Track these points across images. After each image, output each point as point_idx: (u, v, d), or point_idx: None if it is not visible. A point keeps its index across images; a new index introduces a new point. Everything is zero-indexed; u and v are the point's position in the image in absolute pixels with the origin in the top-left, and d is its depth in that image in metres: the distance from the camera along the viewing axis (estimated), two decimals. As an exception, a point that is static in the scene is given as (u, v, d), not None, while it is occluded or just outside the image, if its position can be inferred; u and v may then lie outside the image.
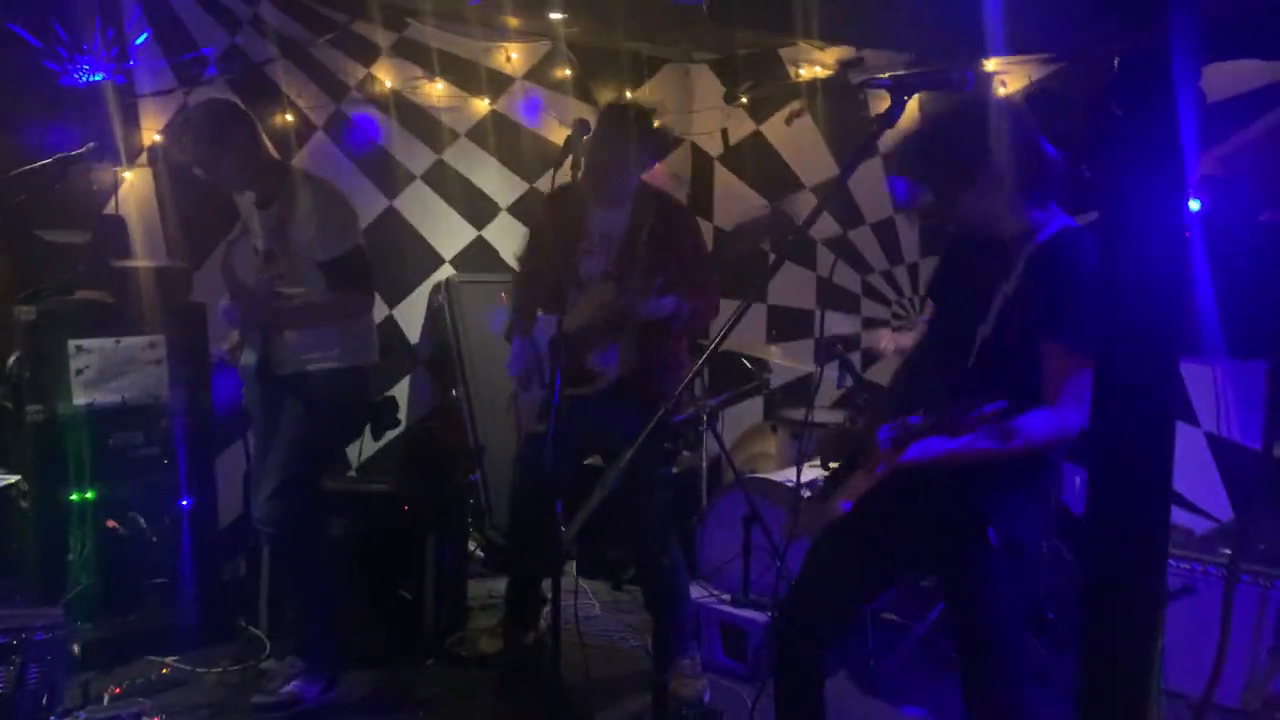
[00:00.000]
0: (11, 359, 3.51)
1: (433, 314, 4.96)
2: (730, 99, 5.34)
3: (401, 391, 4.83)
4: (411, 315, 4.93)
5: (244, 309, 3.29)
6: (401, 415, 4.55)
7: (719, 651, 3.69)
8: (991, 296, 2.13)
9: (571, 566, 4.32)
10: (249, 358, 3.35)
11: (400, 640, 3.73)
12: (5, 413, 3.53)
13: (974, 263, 2.24)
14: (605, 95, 5.33)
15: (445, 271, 5.02)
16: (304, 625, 3.41)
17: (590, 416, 3.24)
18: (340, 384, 3.29)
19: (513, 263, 5.02)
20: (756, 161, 5.42)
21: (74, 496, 3.51)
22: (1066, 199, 2.18)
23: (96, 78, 3.99)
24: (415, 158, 4.89)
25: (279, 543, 3.36)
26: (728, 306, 3.27)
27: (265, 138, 3.28)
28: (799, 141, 5.24)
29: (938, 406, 1.90)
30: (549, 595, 3.62)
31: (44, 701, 2.28)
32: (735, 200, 5.50)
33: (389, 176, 4.79)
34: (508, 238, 5.15)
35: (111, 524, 3.57)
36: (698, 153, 5.68)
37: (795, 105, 5.18)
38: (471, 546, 4.42)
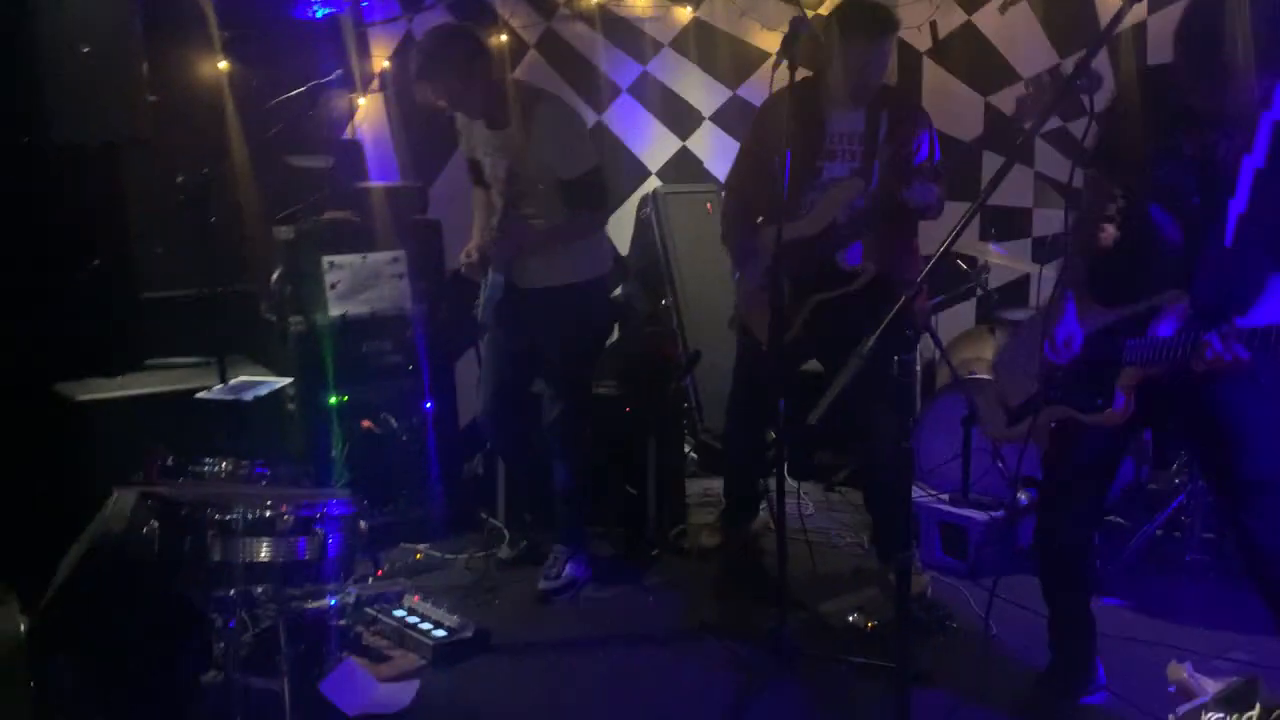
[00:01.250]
0: (274, 275, 3.86)
1: (641, 225, 5.08)
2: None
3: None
4: (620, 227, 5.07)
5: (494, 240, 3.44)
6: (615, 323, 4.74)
7: (938, 550, 3.72)
8: (1233, 170, 2.08)
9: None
10: (494, 276, 3.47)
11: (628, 534, 3.95)
12: (271, 324, 3.91)
13: (1200, 140, 2.17)
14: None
15: (651, 183, 5.12)
16: (572, 514, 3.65)
17: (846, 317, 3.25)
18: (589, 295, 3.47)
19: (718, 172, 5.07)
20: (968, 54, 5.20)
21: (332, 400, 3.86)
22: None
23: (326, 11, 4.25)
24: (621, 70, 4.98)
25: (557, 444, 3.56)
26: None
27: (495, 59, 3.42)
28: (1014, 31, 4.99)
29: (1207, 290, 1.88)
30: (765, 493, 3.79)
31: (340, 571, 2.57)
32: (945, 97, 5.31)
33: (596, 90, 4.90)
34: (711, 147, 5.19)
35: (366, 424, 3.91)
36: (904, 48, 5.50)
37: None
38: (686, 448, 4.58)
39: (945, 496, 3.80)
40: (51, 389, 3.45)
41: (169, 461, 2.71)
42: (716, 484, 4.28)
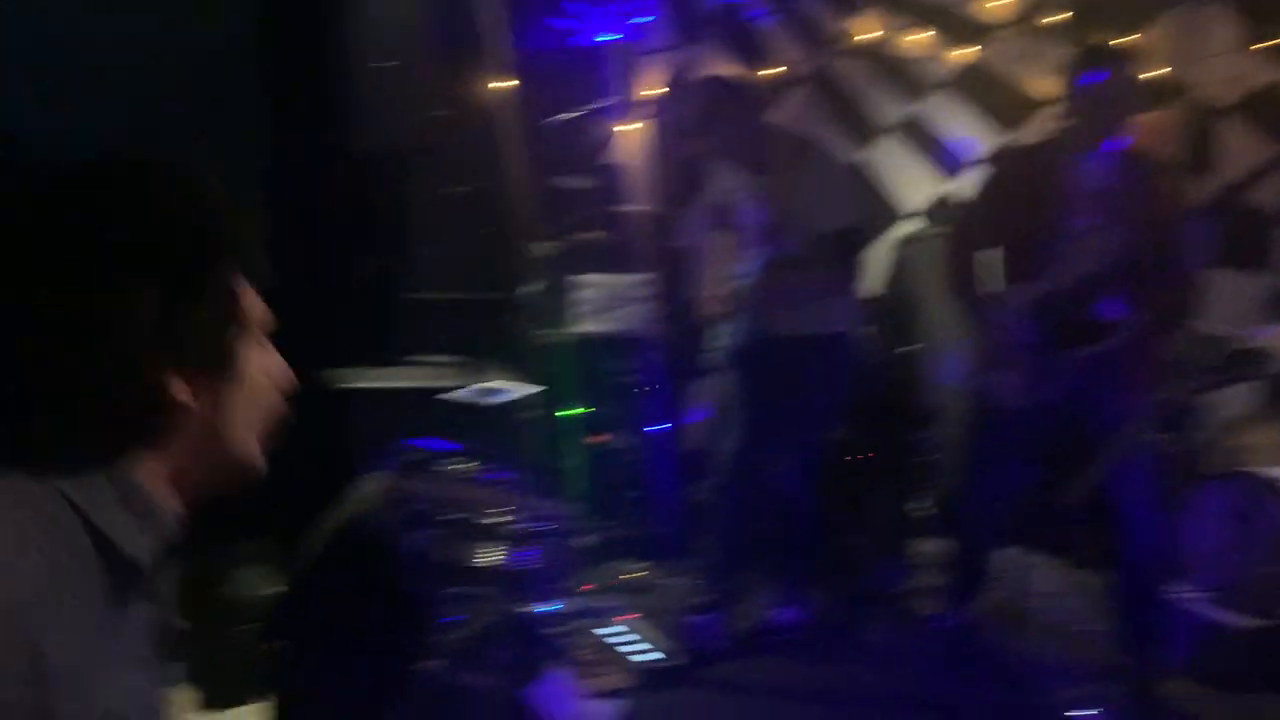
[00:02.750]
0: (528, 288, 4.03)
1: (896, 268, 4.94)
2: (1256, 41, 4.68)
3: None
4: (873, 268, 4.95)
5: (747, 288, 3.42)
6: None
7: (1186, 650, 3.38)
8: None
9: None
10: (740, 323, 3.46)
11: (853, 586, 3.83)
12: (520, 334, 4.07)
13: None
14: (1096, 39, 4.92)
15: (910, 225, 4.97)
16: (793, 560, 3.61)
17: (1100, 380, 3.05)
18: (839, 346, 3.41)
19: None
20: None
21: (567, 412, 3.97)
22: None
23: (605, 37, 4.41)
24: (888, 108, 4.86)
25: (786, 491, 3.52)
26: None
27: (763, 110, 3.41)
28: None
29: None
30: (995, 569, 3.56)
31: (560, 581, 2.63)
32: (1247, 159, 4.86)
33: (861, 128, 4.81)
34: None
35: (597, 439, 4.00)
36: (1197, 106, 5.08)
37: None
38: (925, 503, 4.39)
39: (1206, 596, 3.45)
40: (321, 375, 3.73)
41: (416, 456, 2.86)
42: (945, 546, 4.07)
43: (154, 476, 0.92)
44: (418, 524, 2.63)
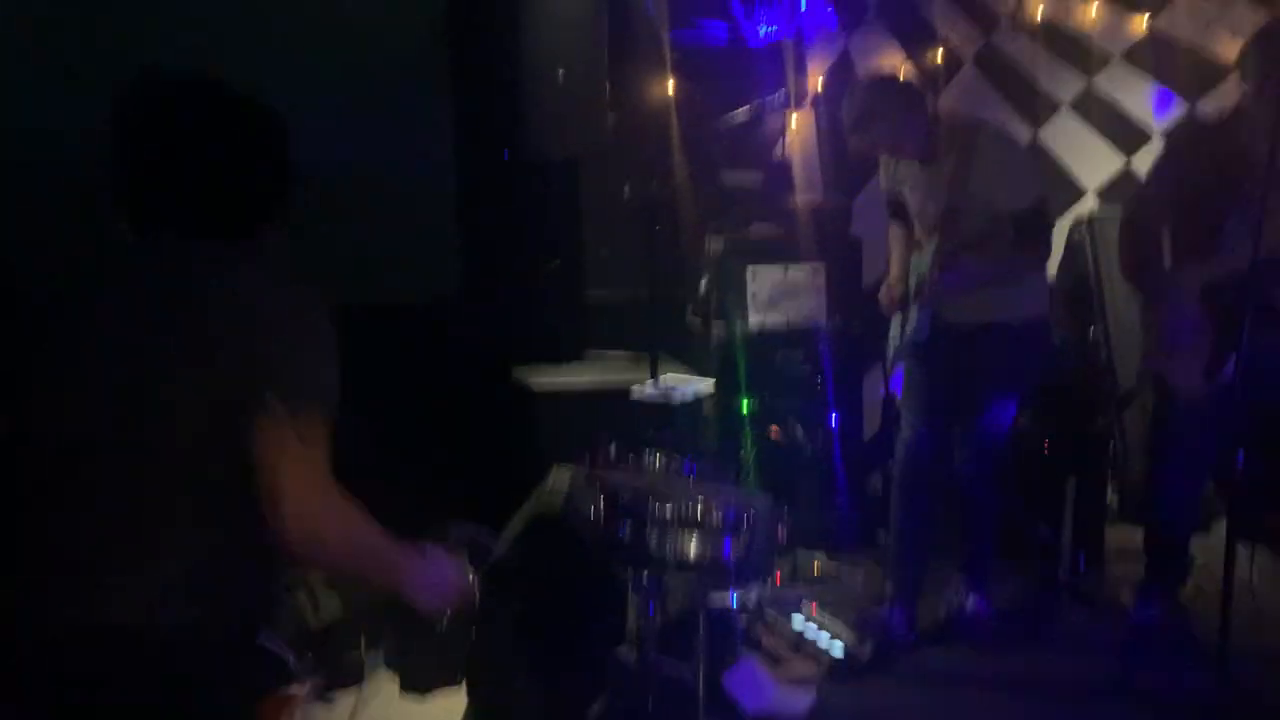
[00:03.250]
0: (703, 283, 4.10)
1: (1072, 250, 4.78)
2: None
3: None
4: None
5: (928, 279, 3.33)
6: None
7: None
8: None
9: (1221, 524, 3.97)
10: (920, 314, 3.37)
11: (1038, 577, 3.75)
12: (696, 328, 4.15)
13: None
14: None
15: (1088, 204, 4.80)
16: (981, 548, 3.55)
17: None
18: (1027, 333, 3.32)
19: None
20: None
21: (745, 404, 4.02)
22: None
23: (768, 31, 4.43)
24: (1063, 84, 4.71)
25: (969, 484, 3.48)
26: None
27: (930, 98, 3.34)
28: None
29: None
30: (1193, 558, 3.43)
31: (755, 571, 2.68)
32: None
33: (1034, 106, 4.69)
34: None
35: (774, 431, 4.04)
36: None
37: None
38: (1109, 492, 4.26)
39: None
40: (510, 372, 3.90)
41: (612, 450, 2.95)
42: (1139, 534, 3.94)
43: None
44: (609, 514, 2.72)
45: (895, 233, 3.63)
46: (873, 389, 4.28)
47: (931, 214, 3.35)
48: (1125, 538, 4.12)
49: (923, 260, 3.36)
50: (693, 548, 2.51)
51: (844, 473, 4.05)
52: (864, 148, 3.34)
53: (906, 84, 3.38)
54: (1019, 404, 3.48)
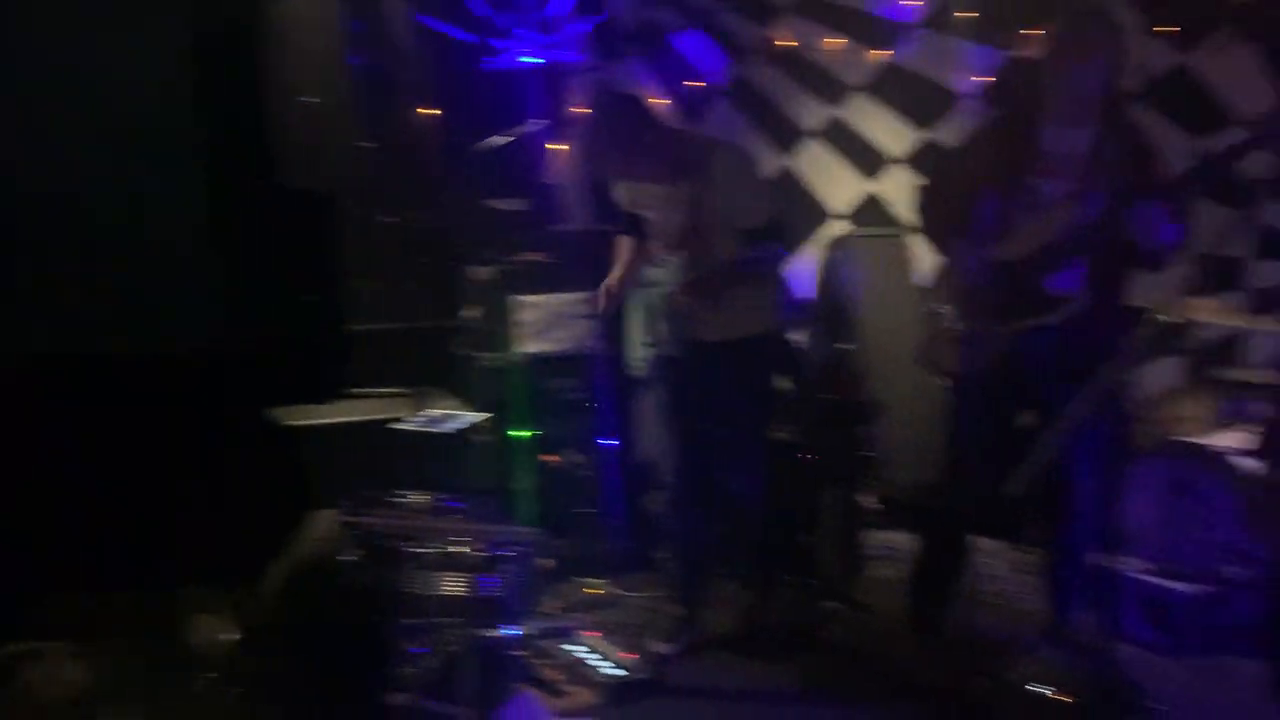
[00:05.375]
0: (469, 313, 4.04)
1: (826, 270, 5.03)
2: (1150, 26, 4.87)
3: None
4: (805, 272, 5.04)
5: (672, 295, 3.43)
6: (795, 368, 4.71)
7: (1138, 624, 3.50)
8: None
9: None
10: (662, 332, 3.49)
11: (802, 584, 3.89)
12: (465, 360, 4.08)
13: None
14: (1009, 37, 5.08)
15: (838, 227, 5.07)
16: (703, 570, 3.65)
17: (1046, 355, 3.11)
18: (765, 347, 3.45)
19: (907, 217, 4.97)
20: (1176, 97, 4.92)
21: (517, 434, 3.99)
22: None
23: (528, 59, 4.45)
24: (809, 113, 4.97)
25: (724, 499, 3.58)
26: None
27: (666, 118, 3.42)
28: (1235, 69, 4.69)
29: None
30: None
31: (517, 608, 2.65)
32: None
33: (783, 134, 4.91)
34: (901, 191, 5.09)
35: (549, 459, 4.02)
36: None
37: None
38: (869, 499, 4.48)
39: (1148, 567, 3.57)
40: (264, 414, 3.70)
41: (372, 492, 2.86)
42: (898, 537, 4.17)
43: None
44: (373, 559, 2.63)
45: (625, 242, 3.65)
46: (641, 411, 4.34)
47: (671, 233, 3.42)
48: (885, 542, 4.36)
49: (661, 275, 3.44)
50: (453, 587, 2.46)
51: (620, 497, 4.08)
52: (606, 171, 3.39)
53: (641, 107, 3.42)
54: (771, 415, 3.62)
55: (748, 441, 3.51)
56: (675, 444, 3.61)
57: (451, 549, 2.51)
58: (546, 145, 4.44)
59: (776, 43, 4.78)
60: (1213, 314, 4.07)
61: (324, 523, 2.84)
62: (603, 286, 3.58)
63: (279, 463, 3.52)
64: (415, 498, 2.85)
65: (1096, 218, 3.04)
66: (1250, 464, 3.47)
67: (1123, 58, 3.10)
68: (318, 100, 3.57)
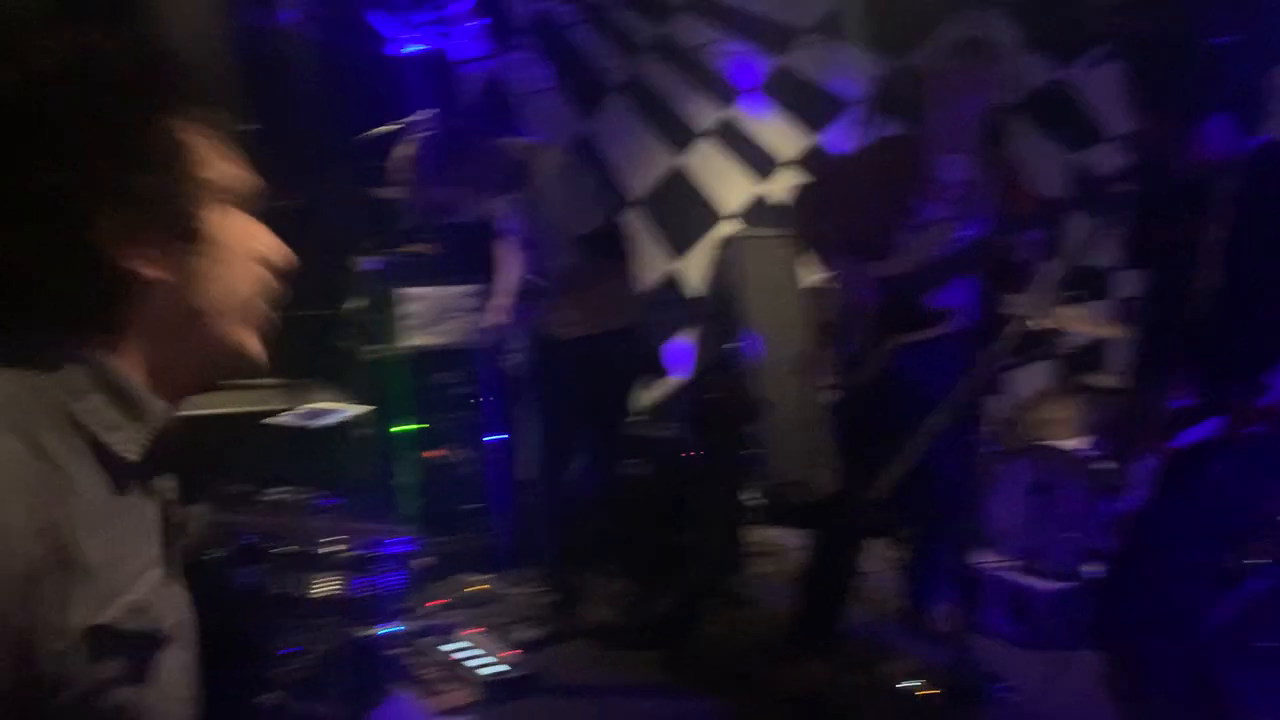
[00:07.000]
0: (352, 305, 3.95)
1: (716, 269, 5.09)
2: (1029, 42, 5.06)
3: (682, 344, 5.02)
4: (694, 270, 5.08)
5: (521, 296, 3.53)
6: (684, 367, 4.75)
7: (1000, 618, 3.64)
8: None
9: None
10: (526, 332, 3.59)
11: (678, 580, 3.93)
12: (347, 353, 3.98)
13: None
14: (895, 43, 5.21)
15: (728, 227, 5.13)
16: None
17: (925, 366, 3.21)
18: (621, 342, 3.55)
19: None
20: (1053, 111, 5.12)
21: (399, 428, 3.92)
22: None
23: (416, 48, 4.36)
24: (702, 113, 5.01)
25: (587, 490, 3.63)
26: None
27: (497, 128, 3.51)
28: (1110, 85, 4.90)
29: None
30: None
31: (393, 607, 2.61)
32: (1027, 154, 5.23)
33: (675, 133, 4.94)
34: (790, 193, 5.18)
35: (432, 454, 3.97)
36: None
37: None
38: (750, 495, 4.55)
39: (1011, 564, 3.72)
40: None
41: (241, 488, 2.77)
42: (778, 534, 4.24)
43: (134, 364, 0.83)
44: (243, 559, 2.55)
45: (500, 251, 3.69)
46: (518, 408, 4.32)
47: (520, 240, 3.51)
48: (764, 538, 4.44)
49: (522, 281, 3.54)
50: (323, 588, 2.41)
51: (503, 493, 4.05)
52: (440, 199, 3.48)
53: (467, 128, 3.53)
54: (625, 413, 3.69)
55: (609, 434, 3.57)
56: (544, 439, 3.65)
57: (325, 548, 2.44)
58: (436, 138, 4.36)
59: (670, 42, 4.79)
60: (1079, 322, 4.26)
61: (191, 520, 2.75)
62: (491, 304, 3.65)
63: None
64: (288, 495, 2.78)
65: (974, 237, 3.17)
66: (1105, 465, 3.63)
67: (1005, 82, 3.24)
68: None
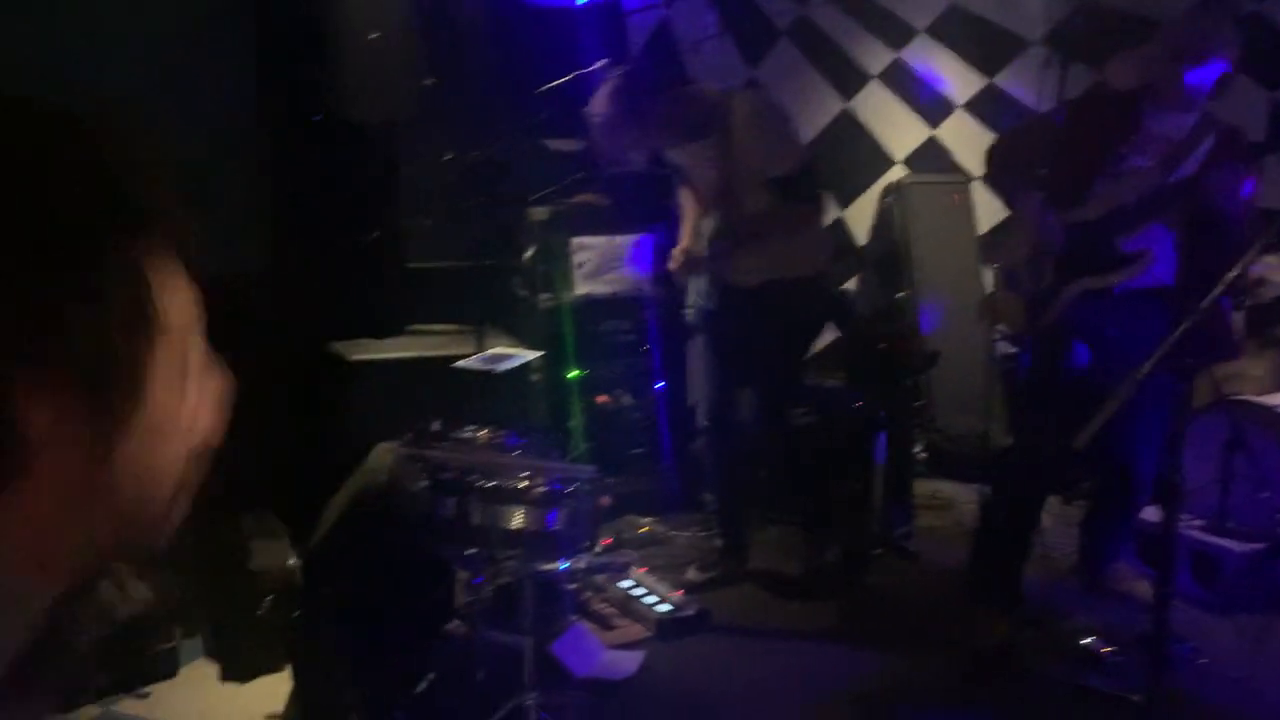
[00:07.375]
0: (527, 254, 4.07)
1: (881, 216, 5.00)
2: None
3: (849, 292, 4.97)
4: (861, 217, 5.00)
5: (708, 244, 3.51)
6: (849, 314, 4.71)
7: (1188, 580, 3.50)
8: None
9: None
10: (705, 281, 3.55)
11: (852, 531, 3.93)
12: (522, 299, 4.11)
13: None
14: None
15: (897, 173, 5.02)
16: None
17: (1113, 314, 3.12)
18: (801, 291, 3.48)
19: (968, 163, 4.91)
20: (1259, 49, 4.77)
21: (572, 374, 4.04)
22: None
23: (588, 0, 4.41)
24: (872, 56, 4.89)
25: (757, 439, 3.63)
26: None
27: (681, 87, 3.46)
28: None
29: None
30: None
31: (580, 539, 2.72)
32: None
33: (846, 77, 4.84)
34: (963, 137, 5.02)
35: (601, 399, 4.07)
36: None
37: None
38: (918, 448, 4.50)
39: (1198, 523, 3.57)
40: (326, 348, 3.77)
41: (435, 426, 2.91)
42: (947, 486, 4.18)
43: (8, 540, 0.58)
44: (433, 491, 2.69)
45: (685, 200, 3.71)
46: (697, 354, 4.37)
47: (707, 186, 3.47)
48: (933, 491, 4.38)
49: (707, 228, 3.52)
50: (517, 521, 2.52)
51: (670, 438, 4.13)
52: (629, 144, 3.44)
53: (645, 79, 3.46)
54: (800, 363, 3.66)
55: (783, 384, 3.54)
56: (716, 386, 3.67)
57: (513, 483, 2.56)
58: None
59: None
60: (1277, 271, 4.00)
61: (386, 454, 2.91)
62: (675, 252, 3.62)
63: (342, 395, 3.60)
64: (477, 433, 2.91)
65: (1175, 183, 3.02)
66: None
67: (1231, 50, 3.05)
68: (380, 35, 3.58)
